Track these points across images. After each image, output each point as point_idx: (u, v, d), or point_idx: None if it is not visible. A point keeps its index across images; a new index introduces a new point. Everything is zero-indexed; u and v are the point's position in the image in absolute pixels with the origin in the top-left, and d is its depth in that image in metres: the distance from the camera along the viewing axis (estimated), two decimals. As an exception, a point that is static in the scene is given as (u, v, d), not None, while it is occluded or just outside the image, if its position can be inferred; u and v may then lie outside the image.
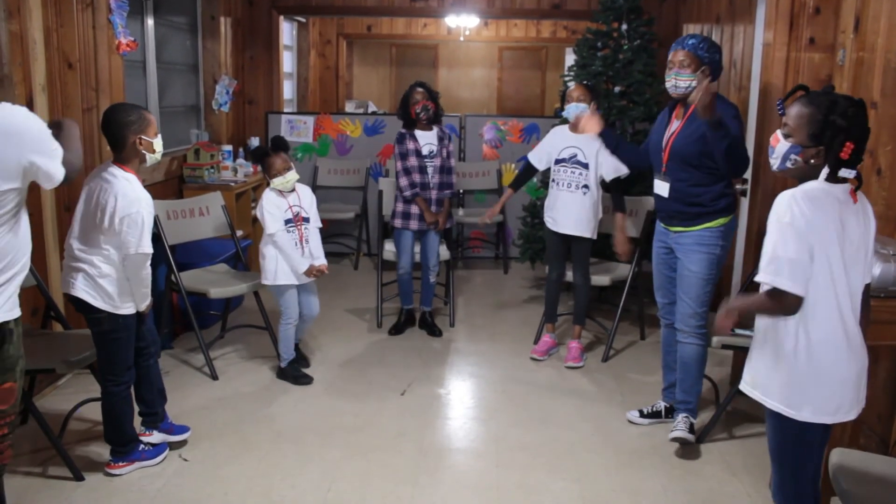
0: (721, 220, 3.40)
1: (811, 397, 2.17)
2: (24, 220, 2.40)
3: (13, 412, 2.41)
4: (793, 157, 2.16)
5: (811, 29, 3.63)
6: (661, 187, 3.49)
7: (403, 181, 4.77)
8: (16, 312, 2.37)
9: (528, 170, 4.62)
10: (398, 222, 4.85)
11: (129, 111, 3.06)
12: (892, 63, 2.97)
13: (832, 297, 2.14)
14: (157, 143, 3.11)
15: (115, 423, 3.20)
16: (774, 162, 2.23)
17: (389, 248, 5.13)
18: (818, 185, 2.15)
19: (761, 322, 2.28)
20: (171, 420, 3.49)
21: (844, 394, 2.19)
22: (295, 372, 4.20)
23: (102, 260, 3.00)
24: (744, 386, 2.36)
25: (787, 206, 2.09)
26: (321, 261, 4.20)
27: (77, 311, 3.10)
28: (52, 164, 2.34)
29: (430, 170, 4.79)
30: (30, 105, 3.66)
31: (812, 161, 2.15)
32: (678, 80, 3.37)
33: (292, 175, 4.07)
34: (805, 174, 2.18)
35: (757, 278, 2.16)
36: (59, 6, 3.83)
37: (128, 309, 3.10)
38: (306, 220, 4.15)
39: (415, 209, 4.79)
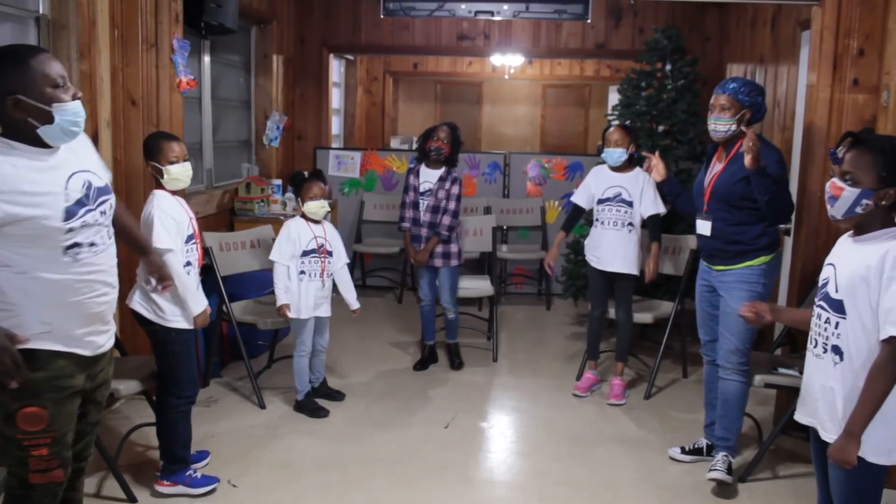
0: (762, 259, 3.42)
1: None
2: None
3: (53, 433, 2.25)
4: (864, 202, 2.17)
5: (855, 70, 3.66)
6: (703, 226, 3.53)
7: (400, 213, 5.00)
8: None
9: (576, 211, 4.68)
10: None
11: (151, 139, 3.31)
12: (937, 105, 3.00)
13: None
14: (170, 168, 3.18)
15: (168, 437, 3.29)
16: (839, 210, 2.23)
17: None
18: None
19: (839, 383, 2.23)
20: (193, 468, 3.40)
21: None
22: (312, 405, 4.24)
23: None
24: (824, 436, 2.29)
25: None
26: (354, 305, 4.36)
27: (138, 324, 3.25)
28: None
29: (422, 207, 4.90)
30: (95, 139, 3.83)
31: (883, 202, 2.18)
32: (717, 125, 3.44)
33: (325, 204, 4.15)
34: (871, 217, 2.20)
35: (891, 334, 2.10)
36: (125, 47, 4.03)
37: (178, 323, 3.21)
38: (330, 253, 4.22)
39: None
